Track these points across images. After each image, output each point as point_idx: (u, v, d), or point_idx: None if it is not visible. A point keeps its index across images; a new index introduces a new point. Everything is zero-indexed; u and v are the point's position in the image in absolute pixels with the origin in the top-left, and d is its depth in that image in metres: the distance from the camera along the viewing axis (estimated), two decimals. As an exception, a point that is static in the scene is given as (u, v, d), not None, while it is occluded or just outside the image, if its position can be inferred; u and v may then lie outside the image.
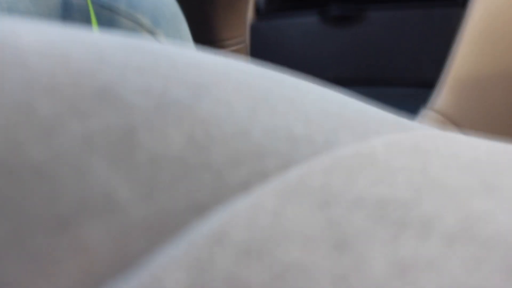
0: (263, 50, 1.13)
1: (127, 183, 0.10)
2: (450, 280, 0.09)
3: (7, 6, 0.42)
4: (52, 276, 0.09)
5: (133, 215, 0.10)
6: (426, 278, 0.09)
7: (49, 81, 0.11)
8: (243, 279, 0.09)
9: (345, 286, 0.09)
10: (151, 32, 0.46)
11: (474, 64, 0.91)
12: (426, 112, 0.88)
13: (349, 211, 0.11)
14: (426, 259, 0.10)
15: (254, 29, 1.14)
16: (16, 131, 0.10)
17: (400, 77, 1.01)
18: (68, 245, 0.09)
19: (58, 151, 0.10)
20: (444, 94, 0.89)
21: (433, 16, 0.97)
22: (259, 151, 0.12)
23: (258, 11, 1.15)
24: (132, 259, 0.09)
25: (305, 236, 0.10)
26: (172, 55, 0.14)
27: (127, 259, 0.09)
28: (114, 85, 0.12)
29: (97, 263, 0.09)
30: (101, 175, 0.10)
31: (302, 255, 0.10)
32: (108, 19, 0.44)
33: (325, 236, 0.10)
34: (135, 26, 0.45)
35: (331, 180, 0.12)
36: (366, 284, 0.09)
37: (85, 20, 0.44)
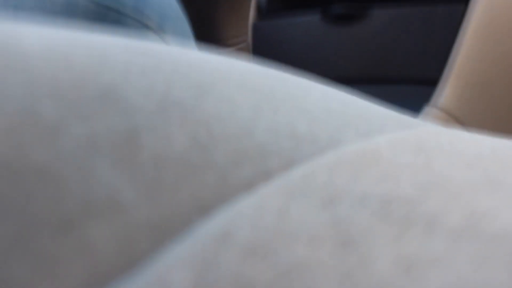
0: (265, 49, 1.13)
1: (130, 184, 0.10)
2: (456, 277, 0.09)
3: (14, 5, 0.42)
4: (57, 277, 0.09)
5: (137, 215, 0.10)
6: (432, 275, 0.09)
7: (51, 83, 0.11)
8: (248, 278, 0.09)
9: (350, 284, 0.09)
10: (158, 33, 0.46)
11: (477, 61, 0.91)
12: (429, 110, 0.88)
13: (354, 209, 0.11)
14: (432, 256, 0.10)
15: (256, 29, 1.14)
16: (19, 134, 0.10)
17: (403, 75, 1.01)
18: (72, 246, 0.09)
19: (62, 153, 0.10)
20: (447, 91, 0.89)
21: (436, 14, 0.97)
22: (262, 150, 0.12)
23: (260, 10, 1.15)
24: (137, 259, 0.09)
25: (310, 235, 0.10)
26: (175, 55, 0.15)
27: (132, 259, 0.09)
28: (117, 87, 0.12)
29: (102, 264, 0.09)
30: (105, 176, 0.10)
31: (307, 253, 0.10)
32: (114, 20, 0.44)
33: (330, 234, 0.10)
34: (141, 26, 0.45)
35: (335, 178, 0.12)
36: (372, 281, 0.09)
37: (91, 20, 0.44)
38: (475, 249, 0.10)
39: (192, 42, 0.49)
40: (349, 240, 0.10)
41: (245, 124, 0.12)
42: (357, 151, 0.13)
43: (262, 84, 0.14)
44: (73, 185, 0.10)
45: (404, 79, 1.01)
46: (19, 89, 0.11)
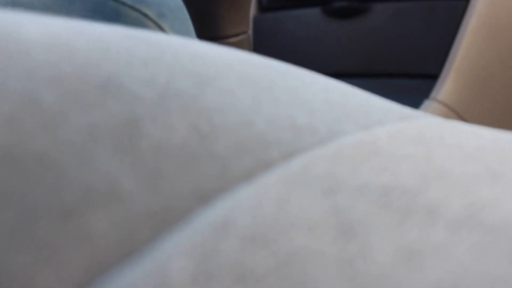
0: (266, 43, 1.13)
1: (131, 172, 0.10)
2: (456, 266, 0.09)
3: (11, 0, 0.42)
4: (56, 264, 0.09)
5: (138, 203, 0.10)
6: (432, 265, 0.09)
7: (53, 71, 0.11)
8: (248, 266, 0.09)
9: (351, 273, 0.09)
10: (157, 24, 0.46)
11: (478, 55, 0.90)
12: (430, 103, 0.88)
13: (354, 198, 0.11)
14: (432, 245, 0.10)
15: (256, 22, 1.14)
16: (20, 121, 0.10)
17: (404, 69, 1.01)
18: (72, 234, 0.09)
19: (63, 141, 0.10)
20: (447, 85, 0.89)
21: (437, 8, 0.97)
22: (262, 141, 0.12)
23: (261, 4, 1.14)
24: (136, 248, 0.09)
25: (310, 223, 0.10)
26: (177, 46, 0.14)
27: (131, 248, 0.09)
28: (118, 76, 0.12)
29: (101, 252, 0.09)
30: (105, 165, 0.10)
31: (308, 242, 0.10)
32: (114, 10, 0.44)
33: (330, 223, 0.10)
34: (141, 17, 0.45)
35: (335, 168, 0.12)
36: (372, 270, 0.09)
37: (90, 9, 0.44)
38: (475, 239, 0.10)
39: (192, 31, 0.49)
40: (349, 228, 0.10)
41: (246, 115, 0.12)
42: (357, 143, 0.13)
43: (262, 75, 0.14)
44: (73, 173, 0.10)
45: (404, 73, 1.01)
46: (20, 77, 0.11)
